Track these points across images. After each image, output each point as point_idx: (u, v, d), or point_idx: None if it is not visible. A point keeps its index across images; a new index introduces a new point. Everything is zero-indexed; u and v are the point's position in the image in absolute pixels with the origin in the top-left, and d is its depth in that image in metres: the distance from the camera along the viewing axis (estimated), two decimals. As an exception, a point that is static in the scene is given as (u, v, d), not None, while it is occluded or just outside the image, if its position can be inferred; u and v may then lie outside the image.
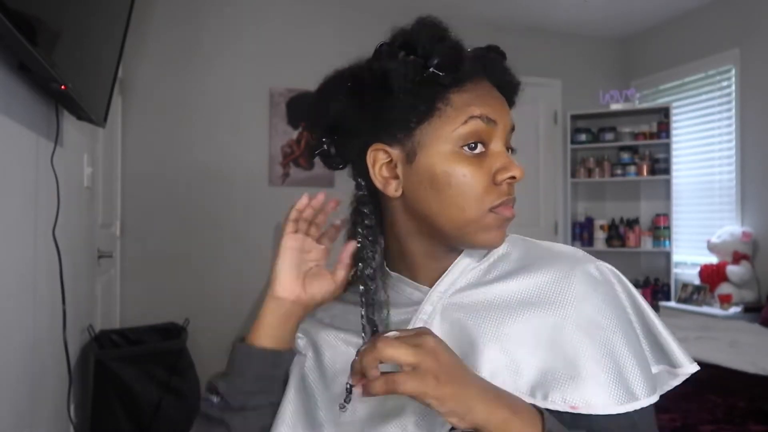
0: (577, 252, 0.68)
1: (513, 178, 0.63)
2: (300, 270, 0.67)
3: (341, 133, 0.66)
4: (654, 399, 0.59)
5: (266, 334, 0.66)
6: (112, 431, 2.12)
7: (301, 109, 3.73)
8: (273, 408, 0.66)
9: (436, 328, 0.64)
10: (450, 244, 0.66)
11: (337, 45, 3.84)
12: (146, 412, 2.17)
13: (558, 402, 0.57)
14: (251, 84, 3.67)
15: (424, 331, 0.53)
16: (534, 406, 0.56)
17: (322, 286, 0.68)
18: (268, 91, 3.70)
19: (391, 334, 0.53)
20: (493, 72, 0.66)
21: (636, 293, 0.66)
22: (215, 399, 0.65)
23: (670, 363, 0.64)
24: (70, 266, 1.67)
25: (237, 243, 3.61)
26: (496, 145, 0.63)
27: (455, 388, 0.50)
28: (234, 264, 3.59)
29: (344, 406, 0.60)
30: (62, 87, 1.20)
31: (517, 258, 0.68)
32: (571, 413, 0.57)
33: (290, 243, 0.67)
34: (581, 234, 4.35)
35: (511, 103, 0.68)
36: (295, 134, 3.75)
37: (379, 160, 0.64)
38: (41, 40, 1.02)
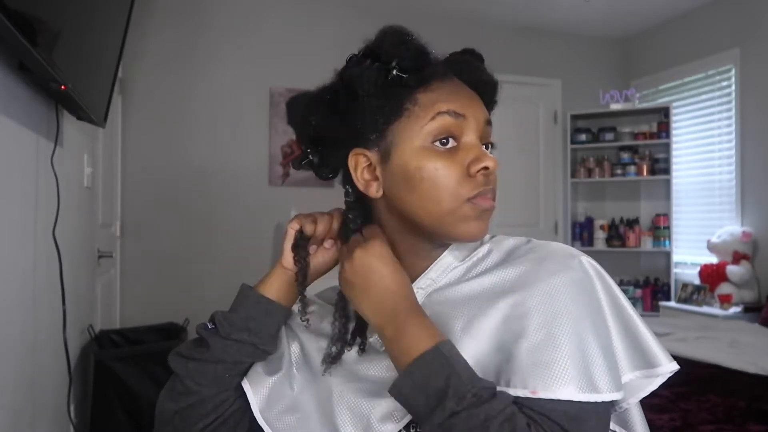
0: (563, 246, 0.68)
1: (486, 168, 0.64)
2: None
3: (324, 144, 0.70)
4: (617, 396, 0.58)
5: (268, 290, 0.73)
6: (112, 431, 2.12)
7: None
8: (254, 348, 0.71)
9: None
10: (432, 239, 0.68)
11: (337, 45, 3.83)
12: (146, 412, 2.17)
13: (519, 386, 0.57)
14: (251, 84, 3.67)
15: (370, 246, 0.65)
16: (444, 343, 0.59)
17: (323, 257, 0.75)
18: (268, 91, 3.70)
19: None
20: (465, 72, 0.69)
21: (617, 291, 0.65)
22: (209, 325, 0.72)
23: (649, 363, 0.63)
24: (70, 266, 1.67)
25: (237, 243, 3.61)
26: (468, 138, 0.65)
27: (362, 299, 0.64)
28: (234, 264, 3.59)
29: (328, 368, 0.69)
30: (62, 87, 1.20)
31: (497, 256, 0.69)
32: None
33: (295, 225, 0.73)
34: (581, 234, 4.35)
35: (491, 101, 0.71)
36: (295, 134, 3.74)
37: (360, 164, 0.68)
38: (41, 40, 1.02)
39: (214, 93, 3.60)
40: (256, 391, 0.71)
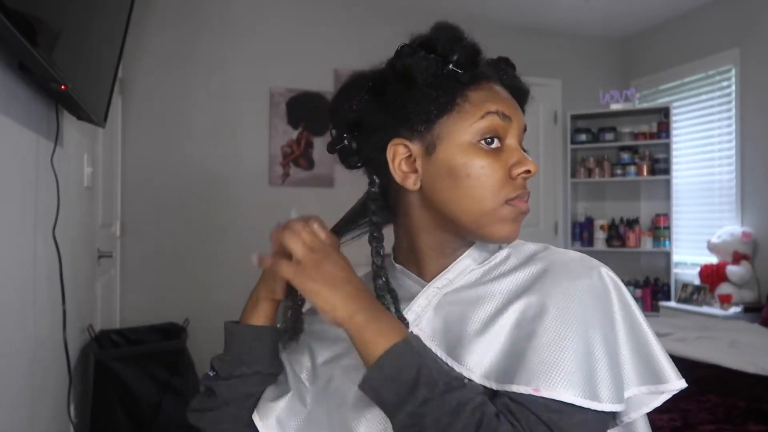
0: (582, 256, 0.68)
1: (528, 172, 0.66)
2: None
3: (362, 130, 0.69)
4: (617, 408, 0.57)
5: (255, 318, 0.74)
6: (112, 431, 2.12)
7: (301, 109, 3.73)
8: (259, 376, 0.73)
9: (428, 322, 0.67)
10: (465, 236, 0.69)
11: (337, 45, 3.84)
12: (146, 412, 2.17)
13: (522, 383, 0.57)
14: (251, 84, 3.67)
15: (325, 243, 0.65)
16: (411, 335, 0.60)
17: None
18: (268, 91, 3.70)
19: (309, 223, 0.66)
20: (506, 77, 0.71)
21: (633, 305, 0.65)
22: (211, 373, 0.74)
23: (657, 379, 0.63)
24: (70, 266, 1.67)
25: (237, 243, 3.60)
26: (511, 141, 0.67)
27: (324, 288, 0.61)
28: (234, 264, 3.58)
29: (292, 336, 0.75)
30: (62, 87, 1.20)
31: (515, 261, 0.69)
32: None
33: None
34: (581, 234, 4.35)
35: (522, 109, 0.72)
36: (295, 134, 3.75)
37: (399, 154, 0.67)
38: (41, 40, 1.02)
39: (214, 93, 3.60)
40: (265, 420, 0.71)
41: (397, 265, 0.74)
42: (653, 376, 0.62)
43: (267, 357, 0.73)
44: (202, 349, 3.15)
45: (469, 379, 0.60)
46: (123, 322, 3.24)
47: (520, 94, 0.72)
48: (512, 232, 0.66)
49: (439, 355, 0.63)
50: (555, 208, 4.47)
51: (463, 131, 0.65)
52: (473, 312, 0.65)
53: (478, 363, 0.61)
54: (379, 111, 0.67)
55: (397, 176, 0.67)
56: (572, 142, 4.31)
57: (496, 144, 0.66)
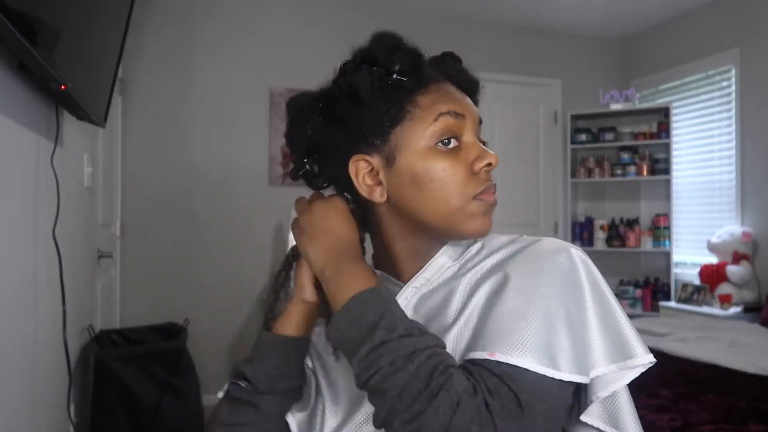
0: (553, 239, 0.68)
1: (489, 165, 0.66)
2: None
3: (321, 152, 0.71)
4: (579, 378, 0.57)
5: (292, 327, 0.72)
6: (112, 431, 2.12)
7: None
8: (297, 391, 0.72)
9: None
10: (439, 237, 0.70)
11: (337, 45, 3.83)
12: (146, 412, 2.17)
13: (479, 348, 0.58)
14: (251, 84, 3.67)
15: (319, 198, 0.71)
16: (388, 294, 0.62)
17: None
18: (268, 91, 3.71)
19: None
20: (453, 74, 0.71)
21: (601, 283, 0.65)
22: (243, 384, 0.70)
23: (626, 354, 0.62)
24: (70, 266, 1.67)
25: (237, 243, 3.61)
26: (468, 137, 0.68)
27: (307, 241, 0.67)
28: (234, 264, 3.59)
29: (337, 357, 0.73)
30: (62, 87, 1.20)
31: (488, 251, 0.70)
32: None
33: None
34: (581, 234, 4.35)
35: (474, 101, 0.73)
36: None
37: (361, 169, 0.68)
38: (41, 40, 1.02)
39: (214, 93, 3.60)
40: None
41: (377, 271, 0.75)
42: (622, 354, 0.62)
43: (299, 370, 0.73)
44: (202, 349, 3.15)
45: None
46: (123, 322, 3.24)
47: (470, 87, 0.73)
48: (484, 225, 0.67)
49: None
50: (555, 208, 4.47)
51: (419, 137, 0.66)
52: (449, 304, 0.66)
53: (455, 345, 0.62)
54: (334, 131, 0.69)
55: (363, 191, 0.68)
56: (572, 142, 4.31)
57: (453, 143, 0.66)
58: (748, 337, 2.68)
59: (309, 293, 0.71)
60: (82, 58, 1.44)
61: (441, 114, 0.65)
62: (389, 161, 0.67)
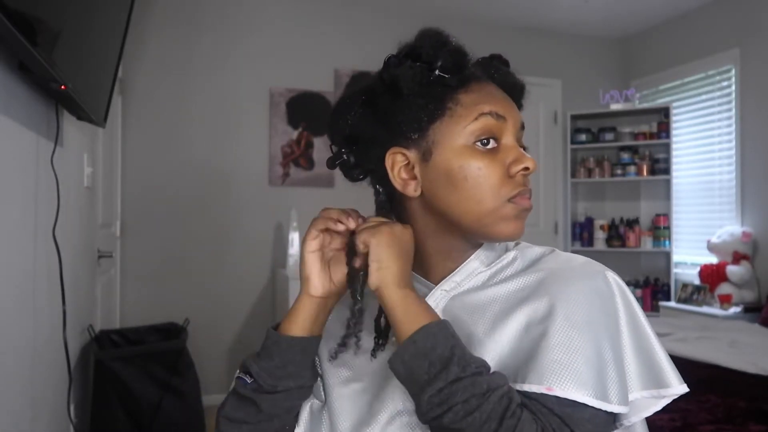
0: (588, 260, 0.68)
1: (526, 169, 0.65)
2: (325, 265, 0.70)
3: (360, 143, 0.71)
4: (623, 410, 0.58)
5: (298, 326, 0.69)
6: (112, 431, 2.12)
7: (301, 109, 3.73)
8: (301, 390, 0.70)
9: None
10: (469, 238, 0.69)
11: (337, 45, 3.84)
12: (146, 412, 2.17)
13: (534, 382, 0.58)
14: (251, 84, 3.67)
15: (395, 223, 0.66)
16: (441, 322, 0.60)
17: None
18: (268, 91, 3.70)
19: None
20: (498, 75, 0.71)
21: (637, 309, 0.65)
22: (248, 380, 0.69)
23: (659, 383, 0.63)
24: (70, 266, 1.67)
25: (237, 243, 3.61)
26: (508, 140, 0.67)
27: (388, 248, 0.63)
28: (234, 264, 3.59)
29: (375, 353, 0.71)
30: (62, 87, 1.20)
31: (521, 264, 0.70)
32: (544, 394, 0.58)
33: (312, 247, 0.69)
34: (581, 234, 4.35)
35: (519, 105, 0.72)
36: (295, 134, 3.75)
37: (398, 163, 0.68)
38: (41, 40, 1.02)
39: (214, 93, 3.60)
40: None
41: None
42: (655, 381, 0.63)
43: (309, 369, 0.70)
44: (202, 349, 3.16)
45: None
46: (123, 322, 3.24)
47: (515, 90, 0.72)
48: (516, 229, 0.66)
49: None
50: (555, 208, 4.47)
51: (457, 134, 0.65)
52: (481, 315, 0.66)
53: (493, 363, 0.62)
54: (373, 123, 0.69)
55: (397, 184, 0.68)
56: (572, 142, 4.31)
57: (492, 144, 0.66)
58: (748, 337, 2.68)
59: (315, 286, 0.68)
60: (82, 58, 1.44)
61: (482, 114, 0.65)
62: (425, 156, 0.67)
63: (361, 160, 0.71)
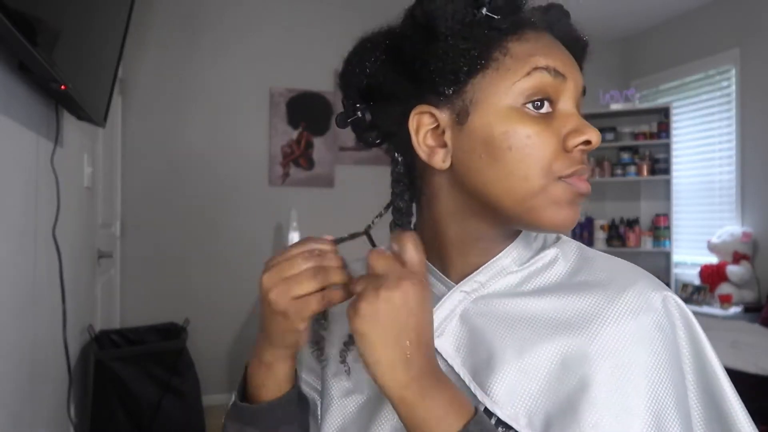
0: (641, 273, 0.55)
1: (588, 143, 0.52)
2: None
3: (379, 98, 0.56)
4: None
5: (276, 386, 0.57)
6: (112, 431, 2.12)
7: (301, 109, 3.73)
8: (302, 426, 0.62)
9: (452, 332, 0.56)
10: (508, 224, 0.56)
11: (337, 45, 3.83)
12: (146, 412, 2.17)
13: None
14: (251, 84, 3.67)
15: (405, 277, 0.47)
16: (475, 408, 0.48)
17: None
18: (268, 91, 3.70)
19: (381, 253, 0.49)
20: (558, 26, 0.56)
21: (704, 340, 0.55)
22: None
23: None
24: (70, 266, 1.67)
25: (237, 243, 3.61)
26: (566, 105, 0.53)
27: (374, 332, 0.46)
28: (234, 264, 3.59)
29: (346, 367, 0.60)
30: (62, 87, 1.20)
31: (564, 271, 0.57)
32: None
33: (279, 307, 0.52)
34: (581, 234, 4.35)
35: (580, 67, 0.57)
36: (295, 134, 3.75)
37: (424, 125, 0.54)
38: (41, 40, 1.02)
39: (214, 93, 3.60)
40: None
41: None
42: (724, 429, 0.53)
43: (302, 406, 0.61)
44: (202, 349, 3.15)
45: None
46: (123, 322, 3.24)
47: (578, 48, 0.58)
48: (569, 217, 0.52)
49: (462, 376, 0.54)
50: (555, 208, 4.47)
51: (504, 92, 0.51)
52: (507, 331, 0.53)
53: (507, 396, 0.51)
54: (398, 73, 0.54)
55: (422, 152, 0.54)
56: (572, 142, 4.30)
57: (546, 108, 0.52)
58: (748, 337, 2.68)
59: (301, 338, 0.54)
60: (82, 58, 1.44)
61: (537, 68, 0.51)
62: (460, 118, 0.52)
63: (379, 120, 0.57)
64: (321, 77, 3.76)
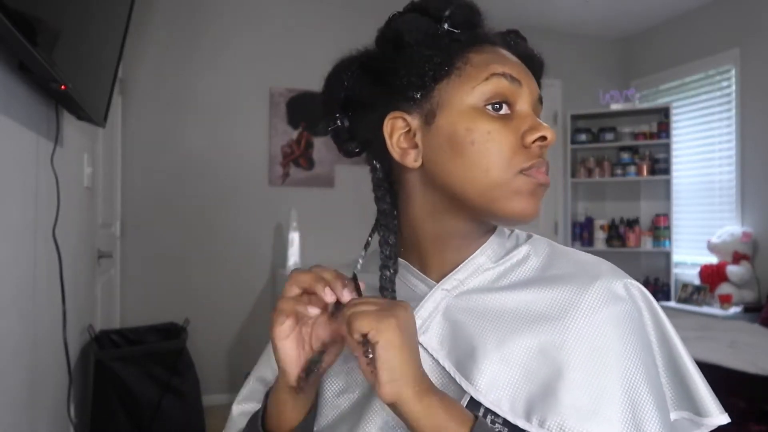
0: (605, 265, 0.61)
1: (543, 138, 0.57)
2: (304, 344, 0.57)
3: (356, 108, 0.63)
4: None
5: (289, 421, 0.60)
6: (112, 431, 2.12)
7: (301, 109, 3.73)
8: None
9: (436, 328, 0.60)
10: (476, 216, 0.60)
11: (337, 45, 3.82)
12: (146, 412, 2.17)
13: (555, 429, 0.51)
14: (251, 84, 3.67)
15: (399, 306, 0.52)
16: (474, 415, 0.52)
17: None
18: (268, 91, 3.70)
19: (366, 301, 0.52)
20: (514, 44, 0.63)
21: (667, 323, 0.59)
22: None
23: (695, 410, 0.58)
24: (70, 266, 1.67)
25: (237, 243, 3.61)
26: (523, 107, 0.59)
27: (409, 361, 0.50)
28: (234, 264, 3.59)
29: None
30: (62, 87, 1.20)
31: (536, 265, 0.62)
32: None
33: (283, 334, 0.56)
34: (581, 234, 4.35)
35: (537, 81, 0.64)
36: (295, 134, 3.75)
37: (397, 129, 0.60)
38: (41, 40, 1.02)
39: (214, 93, 3.60)
40: None
41: (400, 259, 0.65)
42: (692, 406, 0.58)
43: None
44: (202, 349, 3.16)
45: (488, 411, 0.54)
46: (123, 322, 3.24)
47: (534, 63, 0.63)
48: (529, 206, 0.57)
49: (447, 368, 0.57)
50: (555, 208, 4.47)
51: (466, 94, 0.57)
52: (487, 324, 0.58)
53: (490, 385, 0.55)
54: (372, 83, 0.61)
55: (395, 153, 0.60)
56: (572, 142, 4.31)
57: (504, 110, 0.57)
58: (748, 337, 2.68)
59: (295, 378, 0.56)
60: (82, 58, 1.44)
61: (494, 74, 0.57)
62: (428, 119, 0.58)
63: (358, 128, 0.63)
64: (321, 77, 3.75)
